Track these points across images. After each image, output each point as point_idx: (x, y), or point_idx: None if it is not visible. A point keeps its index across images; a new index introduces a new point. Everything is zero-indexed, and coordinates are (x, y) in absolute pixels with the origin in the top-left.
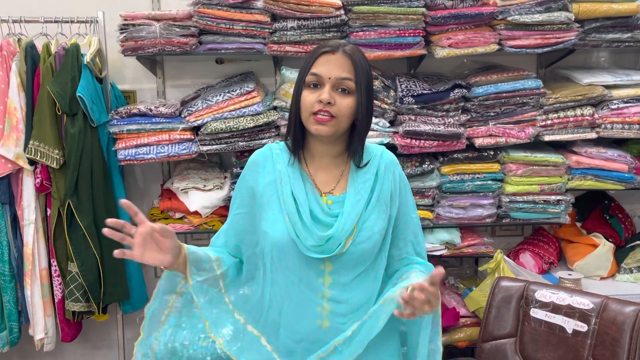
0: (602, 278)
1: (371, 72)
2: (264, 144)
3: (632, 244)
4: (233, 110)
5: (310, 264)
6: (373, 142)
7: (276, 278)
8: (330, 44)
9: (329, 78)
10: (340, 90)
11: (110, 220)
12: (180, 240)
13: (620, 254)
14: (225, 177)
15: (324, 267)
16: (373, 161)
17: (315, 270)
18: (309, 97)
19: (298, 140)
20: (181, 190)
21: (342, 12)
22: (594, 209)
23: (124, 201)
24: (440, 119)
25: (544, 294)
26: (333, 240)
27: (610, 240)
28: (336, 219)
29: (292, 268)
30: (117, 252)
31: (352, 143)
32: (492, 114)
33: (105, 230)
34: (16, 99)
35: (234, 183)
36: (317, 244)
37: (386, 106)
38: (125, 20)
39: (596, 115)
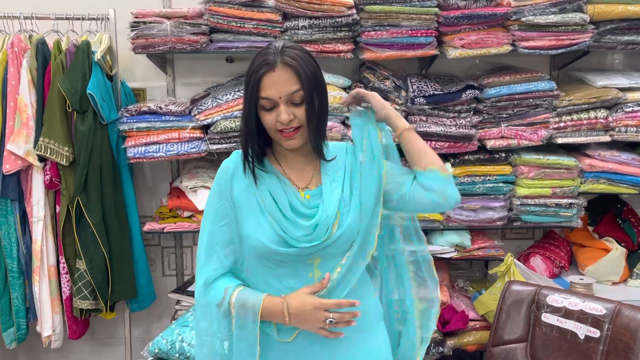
0: (614, 283)
1: (315, 62)
2: None
3: None
4: None
5: (299, 260)
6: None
7: (273, 284)
8: (267, 60)
9: (280, 97)
10: (292, 103)
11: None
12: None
13: (632, 259)
14: None
15: (312, 261)
16: (339, 157)
17: (304, 265)
18: (269, 118)
19: (258, 154)
20: (190, 188)
21: (354, 11)
22: (607, 213)
23: None
24: (452, 120)
25: (555, 299)
26: (320, 227)
27: (622, 244)
28: (317, 210)
29: (282, 269)
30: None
31: (311, 141)
32: (504, 115)
33: None
34: (27, 96)
35: None
36: (305, 233)
37: (397, 107)
38: (136, 17)
39: (610, 118)
